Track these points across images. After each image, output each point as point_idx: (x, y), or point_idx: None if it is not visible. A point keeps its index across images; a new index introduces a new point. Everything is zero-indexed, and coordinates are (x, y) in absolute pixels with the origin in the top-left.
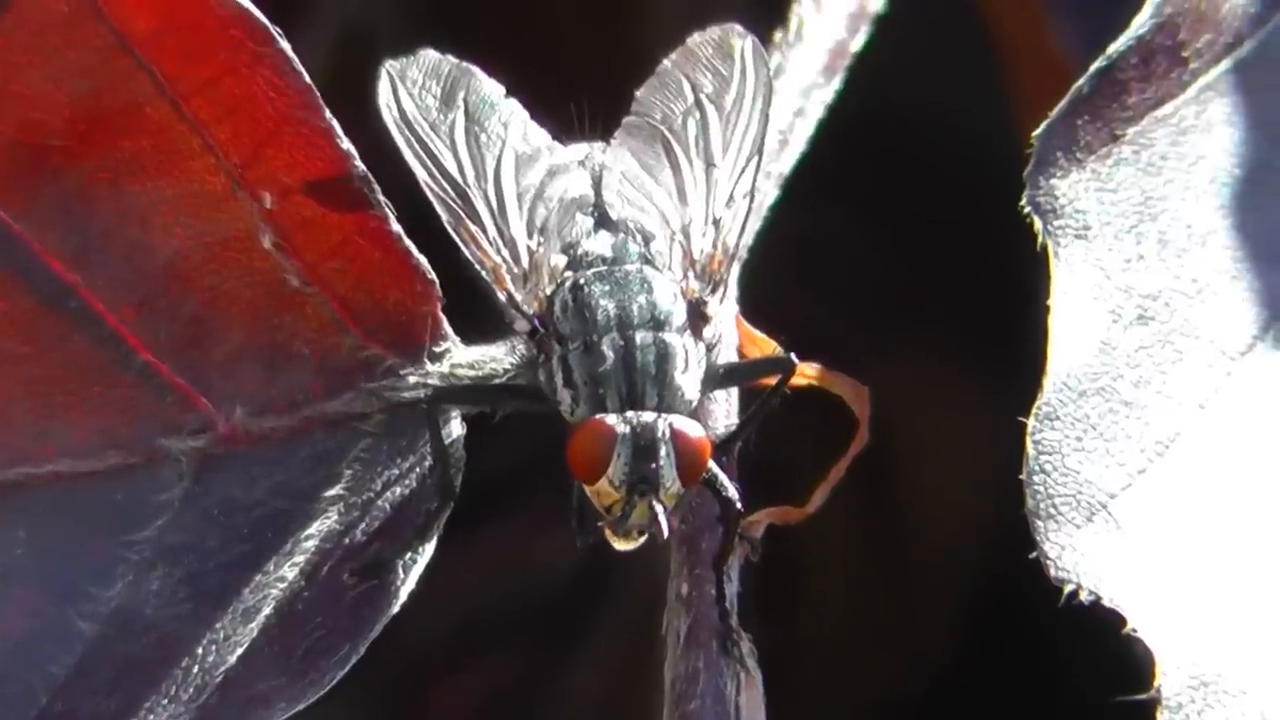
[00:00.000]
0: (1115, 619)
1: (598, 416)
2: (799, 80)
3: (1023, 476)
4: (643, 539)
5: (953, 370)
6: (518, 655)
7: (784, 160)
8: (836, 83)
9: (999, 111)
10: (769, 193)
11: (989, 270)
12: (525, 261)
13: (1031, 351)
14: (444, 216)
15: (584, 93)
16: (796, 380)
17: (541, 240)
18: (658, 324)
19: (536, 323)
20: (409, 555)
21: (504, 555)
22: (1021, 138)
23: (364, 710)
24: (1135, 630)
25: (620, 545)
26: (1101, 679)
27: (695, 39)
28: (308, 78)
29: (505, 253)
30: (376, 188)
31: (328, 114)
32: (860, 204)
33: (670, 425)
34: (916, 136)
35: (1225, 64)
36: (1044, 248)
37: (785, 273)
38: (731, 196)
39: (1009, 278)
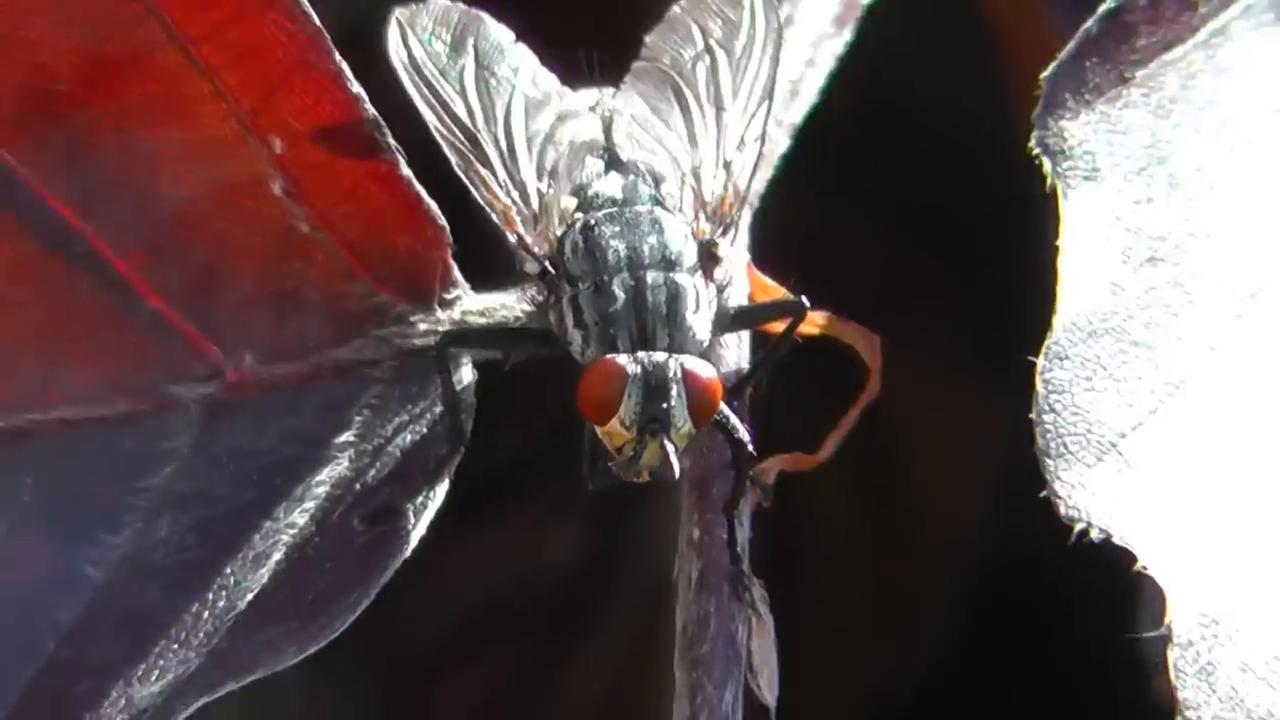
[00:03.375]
0: (1122, 566)
1: (608, 356)
2: (810, 30)
3: (1033, 415)
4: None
5: (956, 360)
6: (523, 647)
7: (795, 110)
8: (848, 33)
9: (997, 102)
10: (781, 141)
11: (990, 259)
12: (535, 204)
13: (1034, 341)
14: (454, 160)
15: (593, 39)
16: (807, 328)
17: (551, 183)
18: (669, 264)
19: (547, 264)
20: (419, 501)
21: (509, 547)
22: (1019, 126)
23: (369, 702)
24: (1145, 568)
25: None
26: (1106, 666)
27: None
28: (318, 21)
29: (515, 195)
30: (387, 132)
31: (338, 58)
32: (860, 195)
33: (681, 365)
34: (916, 128)
35: (1235, 9)
36: (1053, 190)
37: (786, 264)
38: (742, 140)
39: (1010, 266)
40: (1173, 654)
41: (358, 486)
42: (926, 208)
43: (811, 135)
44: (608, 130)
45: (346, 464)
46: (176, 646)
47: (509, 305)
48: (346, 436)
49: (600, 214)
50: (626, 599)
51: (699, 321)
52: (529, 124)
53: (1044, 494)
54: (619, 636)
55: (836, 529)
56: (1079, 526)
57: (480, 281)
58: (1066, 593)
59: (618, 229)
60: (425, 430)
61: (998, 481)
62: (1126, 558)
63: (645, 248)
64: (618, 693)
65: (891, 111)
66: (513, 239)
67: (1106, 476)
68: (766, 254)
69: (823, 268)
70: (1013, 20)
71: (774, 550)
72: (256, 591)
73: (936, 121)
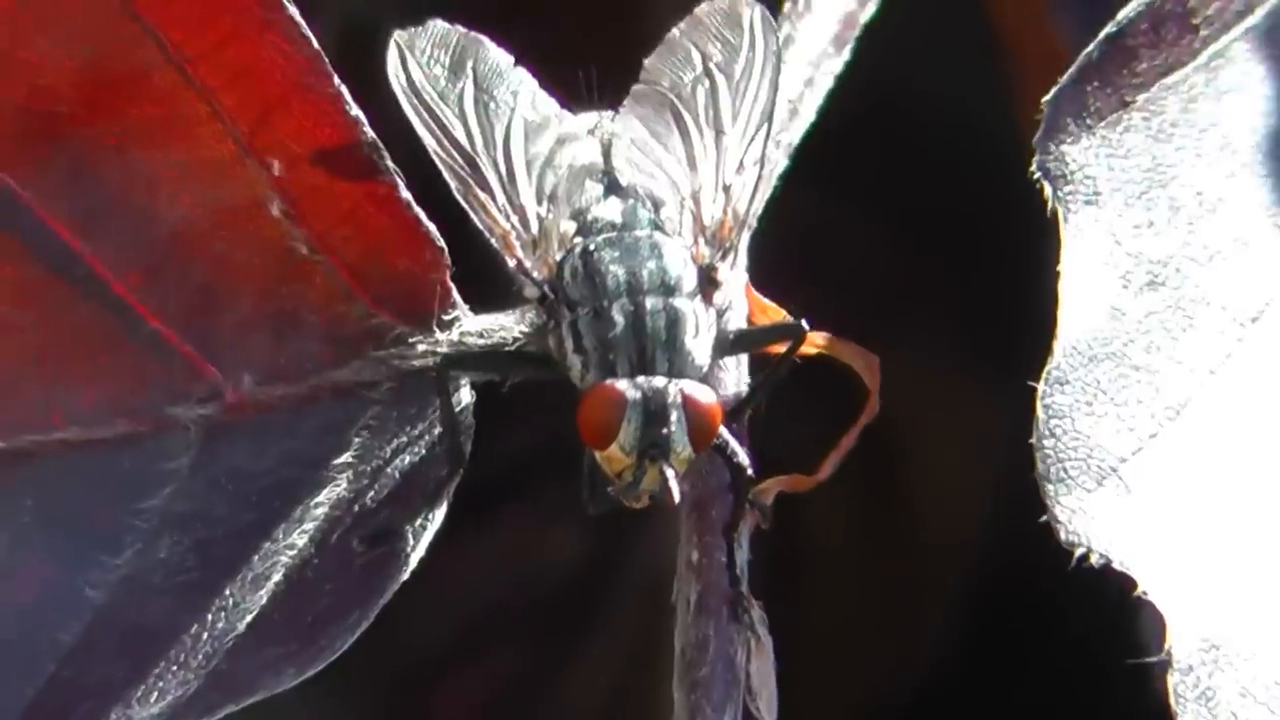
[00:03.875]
0: (1124, 589)
1: (608, 382)
2: (809, 50)
3: (1033, 440)
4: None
5: (957, 361)
6: (524, 648)
7: (794, 130)
8: (846, 53)
9: (1001, 102)
10: (779, 162)
11: (992, 260)
12: (535, 228)
13: (1036, 342)
14: (453, 184)
15: (592, 62)
16: (806, 349)
17: (551, 207)
18: (668, 289)
19: (546, 289)
20: (418, 522)
21: (510, 548)
22: (1023, 128)
23: (370, 704)
24: (1145, 593)
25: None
26: (1106, 668)
27: (703, 8)
28: (316, 44)
29: (514, 219)
30: (386, 155)
31: (336, 80)
32: (863, 195)
33: (681, 390)
34: (919, 128)
35: (1235, 32)
36: (1053, 214)
37: (789, 263)
38: (741, 163)
39: (1012, 267)
40: (1173, 679)
41: (356, 508)
42: (929, 208)
43: (815, 135)
44: (607, 154)
45: (345, 486)
46: (176, 668)
47: (508, 327)
48: (345, 458)
49: (599, 239)
50: (628, 597)
51: (698, 346)
52: (528, 148)
53: (1044, 519)
54: (621, 635)
55: (837, 529)
56: (1079, 551)
57: (479, 303)
58: (1066, 593)
59: (617, 254)
60: (424, 452)
61: (998, 482)
62: (1127, 582)
63: (644, 273)
64: (621, 691)
65: (894, 111)
66: (512, 263)
67: (1106, 501)
68: (771, 255)
69: (825, 267)
70: (1017, 21)
71: (775, 551)
72: (256, 613)
73: (939, 121)
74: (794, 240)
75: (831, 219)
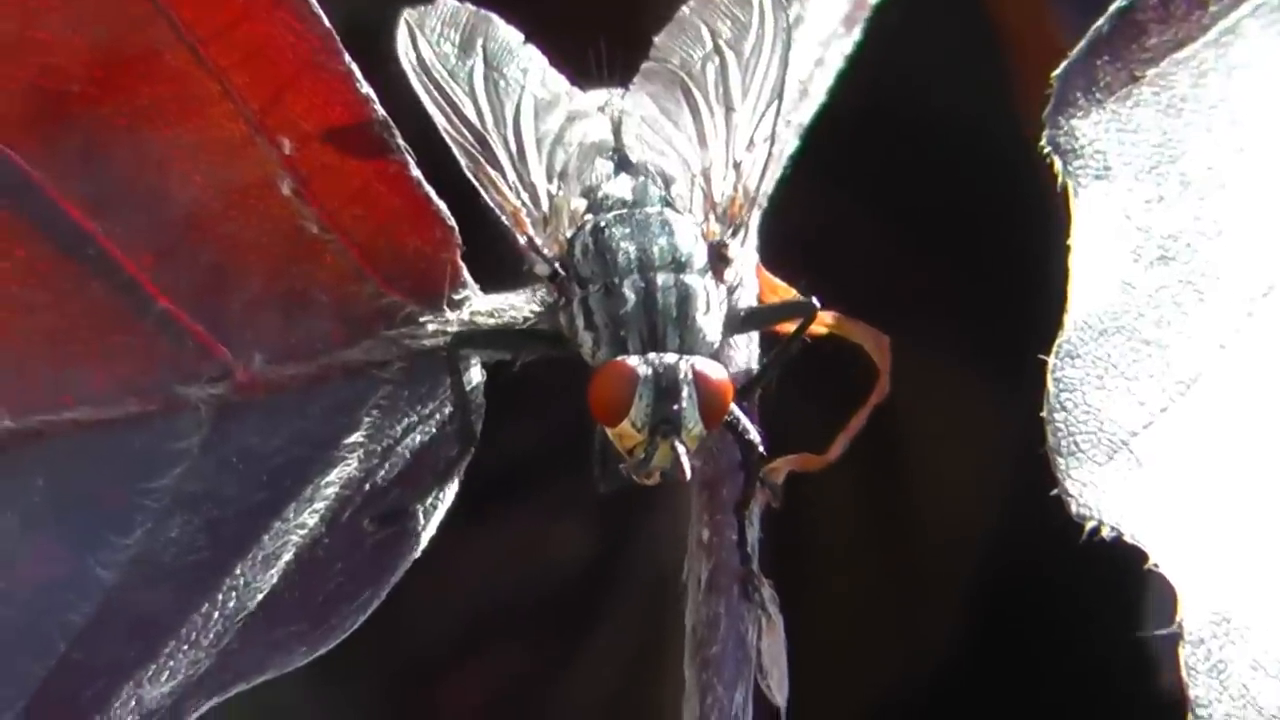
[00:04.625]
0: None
1: (619, 358)
2: (819, 30)
3: (1044, 414)
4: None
5: (961, 357)
6: (529, 645)
7: (804, 110)
8: (857, 33)
9: (1002, 99)
10: (789, 141)
11: (996, 259)
12: (545, 205)
13: (1040, 337)
14: (463, 162)
15: (602, 39)
16: (817, 327)
17: (561, 184)
18: (679, 266)
19: (557, 266)
20: (429, 501)
21: (514, 546)
22: (1024, 125)
23: (375, 702)
24: (1156, 566)
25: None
26: (1113, 664)
27: None
28: (327, 22)
29: (525, 197)
30: (396, 133)
31: (348, 59)
32: (867, 194)
33: (692, 367)
34: (922, 128)
35: (1245, 8)
36: (1063, 189)
37: (793, 262)
38: (752, 141)
39: (1016, 266)
40: (1184, 652)
41: (367, 487)
42: (932, 206)
43: (819, 134)
44: (617, 131)
45: (356, 465)
46: (186, 647)
47: (518, 306)
48: (356, 437)
49: (610, 216)
50: (633, 596)
51: (709, 323)
52: (538, 125)
53: (1054, 492)
54: (626, 633)
55: (842, 527)
56: (1090, 525)
57: (489, 282)
58: (1073, 590)
59: (628, 231)
60: (434, 431)
61: (1004, 480)
62: (1137, 556)
63: (655, 249)
64: (625, 690)
65: (898, 111)
66: (522, 241)
67: (1117, 475)
68: (775, 252)
69: (829, 265)
70: (1018, 20)
71: (779, 548)
72: (266, 592)
73: (943, 121)
74: (799, 238)
75: (836, 217)
